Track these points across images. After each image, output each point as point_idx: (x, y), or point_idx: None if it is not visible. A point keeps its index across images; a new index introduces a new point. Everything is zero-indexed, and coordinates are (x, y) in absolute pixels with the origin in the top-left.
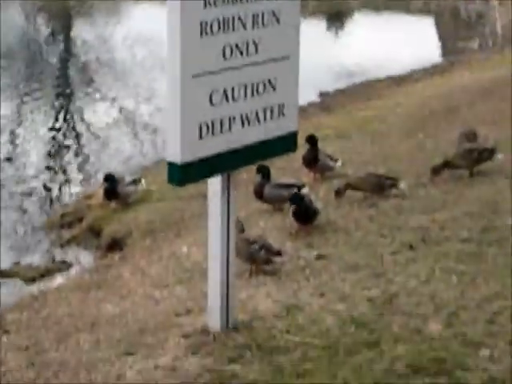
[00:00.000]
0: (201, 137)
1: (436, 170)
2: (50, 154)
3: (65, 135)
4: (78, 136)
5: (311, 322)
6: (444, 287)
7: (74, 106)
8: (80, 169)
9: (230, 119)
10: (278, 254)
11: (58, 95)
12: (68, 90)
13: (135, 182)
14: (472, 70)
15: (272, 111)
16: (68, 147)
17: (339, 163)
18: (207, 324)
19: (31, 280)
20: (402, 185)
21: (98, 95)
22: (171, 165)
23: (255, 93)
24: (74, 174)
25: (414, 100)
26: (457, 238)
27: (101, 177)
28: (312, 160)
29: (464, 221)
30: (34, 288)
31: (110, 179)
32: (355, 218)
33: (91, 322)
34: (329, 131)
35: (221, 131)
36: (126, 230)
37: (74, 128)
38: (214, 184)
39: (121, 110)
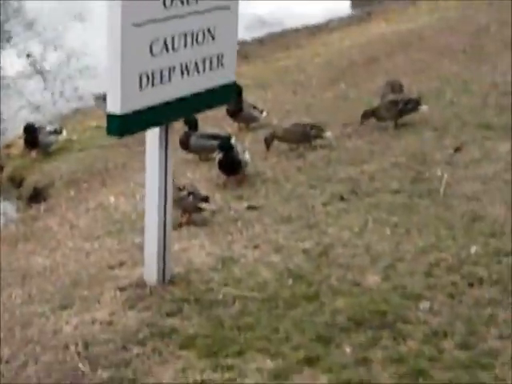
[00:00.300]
0: (141, 87)
1: (366, 115)
2: None
3: None
4: None
5: (248, 275)
6: (378, 239)
7: None
8: None
9: (169, 69)
10: (206, 200)
11: None
12: None
13: (56, 131)
14: (389, 21)
15: (211, 61)
16: None
17: (264, 114)
18: (143, 277)
19: None
20: (328, 133)
21: (7, 43)
22: (111, 116)
23: (195, 42)
24: None
25: (333, 50)
26: (387, 190)
27: (14, 126)
28: (236, 110)
29: (393, 172)
30: None
31: (29, 129)
32: (283, 169)
33: (22, 276)
34: (248, 81)
35: (161, 82)
36: (48, 180)
37: None
38: (152, 135)
39: (30, 58)
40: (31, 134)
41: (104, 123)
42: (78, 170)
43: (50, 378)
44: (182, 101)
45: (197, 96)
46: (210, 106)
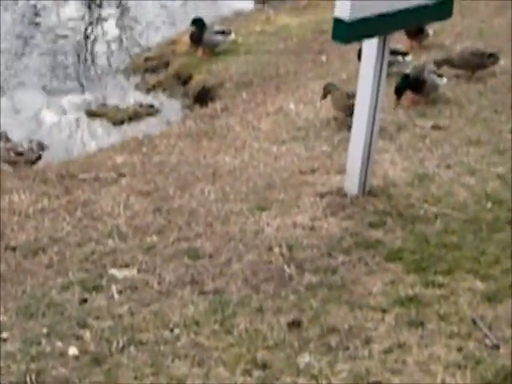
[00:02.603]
0: None
1: None
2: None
3: None
4: None
5: (445, 194)
6: None
7: None
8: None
9: None
10: None
11: None
12: None
13: (224, 32)
14: None
15: None
16: None
17: (431, 31)
18: (342, 186)
19: (120, 122)
20: (503, 62)
21: None
22: (338, 21)
23: None
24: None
25: None
26: None
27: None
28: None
29: None
30: (125, 130)
31: (197, 23)
32: (464, 92)
33: (211, 173)
34: None
35: None
36: (216, 80)
37: None
38: (369, 45)
39: None
40: (198, 29)
41: (268, 28)
42: (247, 72)
43: (255, 276)
44: (401, 13)
45: (417, 9)
46: (428, 20)
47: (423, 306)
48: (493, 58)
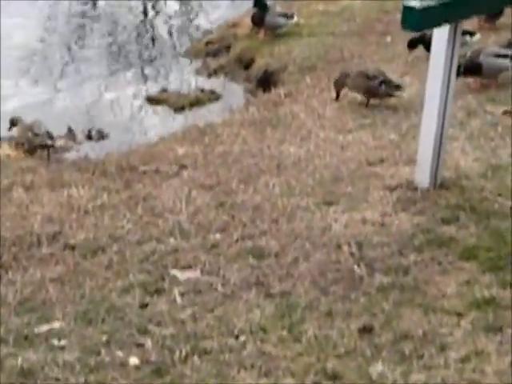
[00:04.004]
0: None
1: None
2: None
3: None
4: None
5: None
6: None
7: None
8: None
9: None
10: (398, 88)
11: None
12: None
13: (286, 15)
14: None
15: None
16: None
17: None
18: (412, 178)
19: (181, 108)
20: None
21: None
22: (408, 8)
23: None
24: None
25: None
26: None
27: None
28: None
29: None
30: (187, 116)
31: (260, 4)
32: None
33: (276, 164)
34: None
35: None
36: (279, 64)
37: None
38: (441, 32)
39: None
40: (261, 11)
41: (331, 8)
42: (311, 56)
43: (324, 277)
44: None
45: None
46: (500, 6)
47: (501, 308)
48: None
